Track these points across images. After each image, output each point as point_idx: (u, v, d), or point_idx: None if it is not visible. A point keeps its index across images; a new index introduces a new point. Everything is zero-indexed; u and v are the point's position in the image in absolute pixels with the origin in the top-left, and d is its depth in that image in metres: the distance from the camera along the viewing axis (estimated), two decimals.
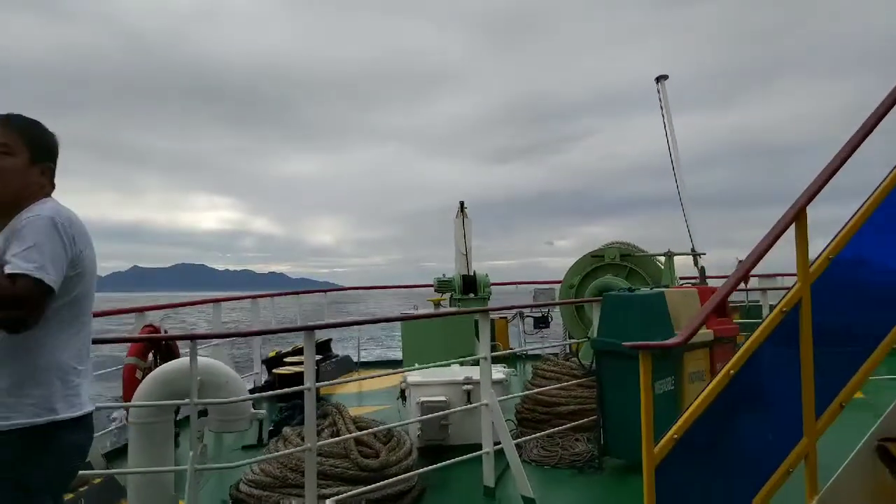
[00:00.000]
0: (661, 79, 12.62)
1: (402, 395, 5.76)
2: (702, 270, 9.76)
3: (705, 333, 5.59)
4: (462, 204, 11.19)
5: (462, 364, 7.50)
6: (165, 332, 6.38)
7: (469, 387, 5.63)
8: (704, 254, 8.84)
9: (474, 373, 6.10)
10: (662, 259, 8.62)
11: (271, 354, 9.06)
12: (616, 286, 7.96)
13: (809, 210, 2.93)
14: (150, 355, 6.35)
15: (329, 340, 10.67)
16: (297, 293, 10.44)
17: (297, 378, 6.64)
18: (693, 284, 8.87)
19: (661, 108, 12.44)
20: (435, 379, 5.78)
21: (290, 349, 9.99)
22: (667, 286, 8.30)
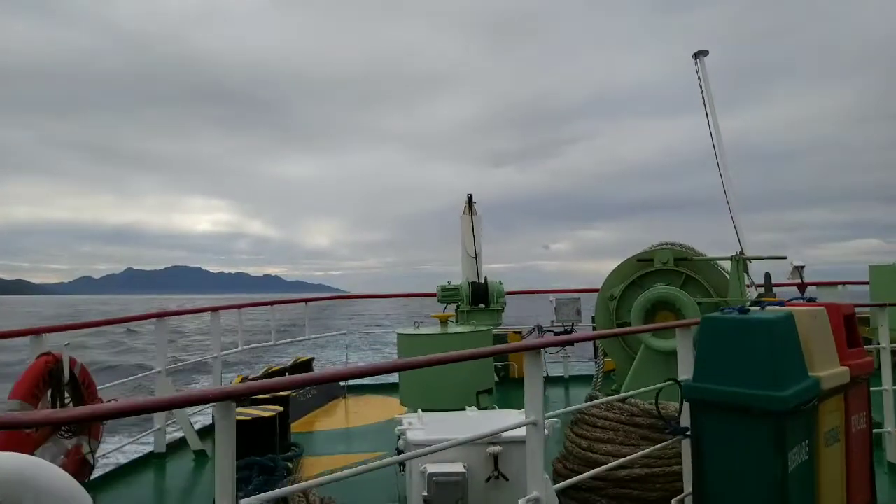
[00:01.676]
0: (699, 55, 10.93)
1: (400, 459, 3.96)
2: (767, 278, 8.02)
3: (841, 372, 3.86)
4: (470, 198, 9.42)
5: (483, 405, 5.74)
6: (71, 364, 4.58)
7: (497, 449, 3.87)
8: (803, 266, 7.09)
9: (498, 420, 4.33)
10: (726, 265, 6.88)
11: (236, 381, 7.30)
12: (678, 299, 6.22)
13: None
14: (48, 395, 4.58)
15: (310, 360, 8.90)
16: (271, 303, 8.65)
17: (264, 425, 4.88)
18: (766, 297, 7.13)
19: (701, 88, 10.76)
20: (447, 436, 4.01)
21: (261, 372, 8.20)
22: (742, 301, 6.56)
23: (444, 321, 6.17)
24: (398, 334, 6.25)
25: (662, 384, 3.86)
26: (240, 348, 7.43)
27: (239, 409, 6.09)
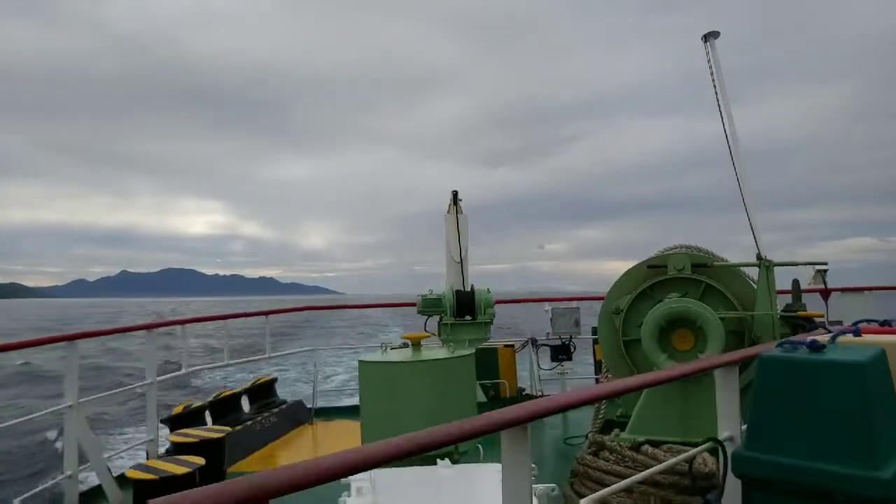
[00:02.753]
0: (709, 36, 9.89)
1: None
2: (795, 285, 6.97)
3: None
4: (455, 195, 8.37)
5: (463, 449, 4.71)
6: None
7: None
8: (826, 265, 6.06)
9: (478, 480, 3.30)
10: (752, 272, 5.82)
11: (177, 410, 6.20)
12: (700, 315, 5.15)
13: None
14: None
15: (273, 381, 7.83)
16: (223, 317, 7.52)
17: (207, 448, 3.85)
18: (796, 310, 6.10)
19: (712, 74, 9.73)
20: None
21: (213, 397, 7.11)
22: (771, 316, 5.54)
23: (416, 343, 5.05)
24: (360, 361, 5.18)
25: (697, 448, 2.80)
26: (183, 371, 6.36)
27: (178, 435, 5.02)
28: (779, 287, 7.20)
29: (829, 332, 4.15)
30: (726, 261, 6.10)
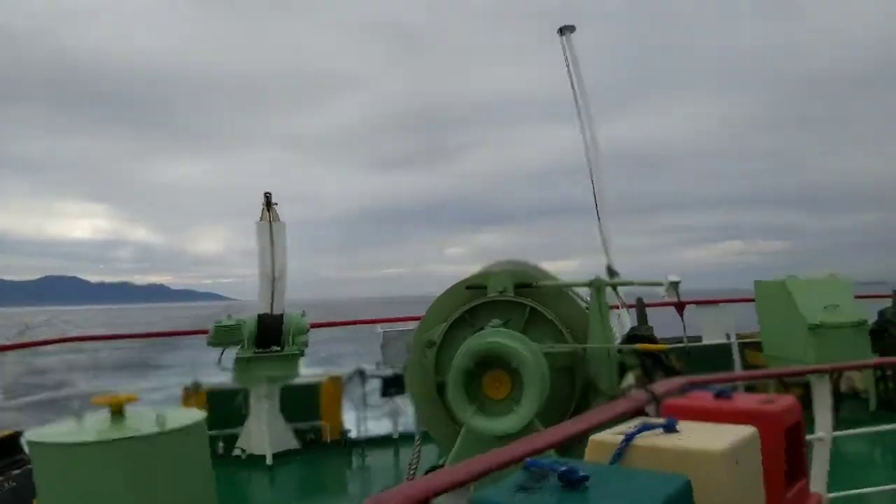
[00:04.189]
0: (565, 30, 9.18)
1: None
2: (640, 304, 6.19)
3: None
4: (269, 199, 7.03)
5: None
6: None
7: None
8: (679, 281, 5.23)
9: None
10: (586, 291, 4.90)
11: None
12: (514, 355, 4.09)
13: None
14: None
15: (15, 436, 6.13)
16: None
17: None
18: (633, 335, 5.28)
19: (567, 65, 9.01)
20: None
21: None
22: (607, 345, 4.64)
23: (116, 409, 3.46)
24: (28, 442, 3.72)
25: None
26: None
27: None
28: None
29: (683, 387, 3.22)
30: (557, 279, 5.17)
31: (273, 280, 6.70)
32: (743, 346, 9.21)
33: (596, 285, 4.68)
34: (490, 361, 4.13)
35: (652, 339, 5.64)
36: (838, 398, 8.37)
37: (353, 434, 7.44)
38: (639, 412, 2.93)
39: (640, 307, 6.11)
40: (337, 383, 7.62)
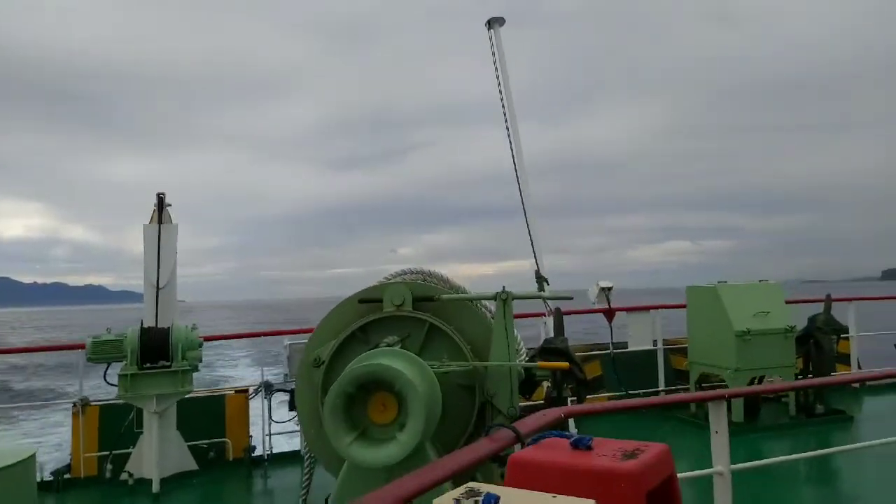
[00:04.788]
0: (493, 22, 8.80)
1: None
2: (557, 316, 5.84)
3: None
4: (161, 199, 6.38)
5: None
6: None
7: None
8: (610, 287, 4.86)
9: None
10: (492, 304, 4.49)
11: None
12: (397, 379, 3.61)
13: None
14: None
15: None
16: None
17: None
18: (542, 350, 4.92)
19: (494, 60, 8.62)
20: None
21: None
22: (511, 364, 4.23)
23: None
24: None
25: None
26: None
27: None
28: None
29: (558, 421, 2.82)
30: (462, 290, 4.74)
31: (157, 289, 6.05)
32: (669, 352, 9.04)
33: (501, 298, 4.25)
34: (377, 384, 3.65)
35: (564, 352, 5.29)
36: (758, 403, 8.27)
37: (259, 451, 6.88)
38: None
39: (558, 317, 5.76)
40: (243, 396, 7.04)
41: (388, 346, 4.33)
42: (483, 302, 4.64)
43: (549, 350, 5.37)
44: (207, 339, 6.50)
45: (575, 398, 5.67)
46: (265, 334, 7.64)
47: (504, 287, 4.34)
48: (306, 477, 4.82)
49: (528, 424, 2.64)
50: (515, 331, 4.76)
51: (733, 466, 3.38)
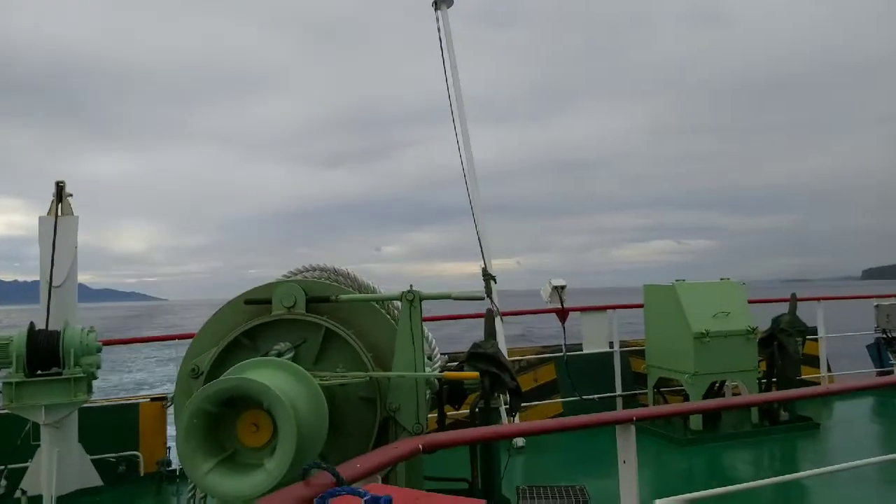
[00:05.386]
0: (440, 3, 8.28)
1: None
2: (488, 319, 5.33)
3: None
4: (60, 188, 5.79)
5: None
6: None
7: None
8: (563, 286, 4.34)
9: None
10: (399, 304, 3.97)
11: None
12: (261, 393, 3.05)
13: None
14: None
15: None
16: None
17: None
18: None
19: (441, 42, 8.10)
20: None
21: None
22: (418, 373, 3.73)
23: None
24: None
25: None
26: None
27: None
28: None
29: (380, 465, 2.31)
30: (368, 289, 4.22)
31: (50, 287, 5.47)
32: (629, 355, 8.59)
33: (407, 298, 3.73)
34: (242, 401, 3.11)
35: (493, 357, 4.80)
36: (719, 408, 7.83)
37: (176, 465, 6.32)
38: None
39: (488, 320, 5.26)
40: (160, 405, 6.46)
41: (279, 354, 3.80)
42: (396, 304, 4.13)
43: (477, 356, 4.88)
44: (111, 342, 5.93)
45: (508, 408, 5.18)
46: (178, 337, 6.96)
47: (412, 286, 3.82)
48: (190, 495, 4.27)
49: (367, 462, 2.14)
50: (429, 334, 4.26)
51: (659, 502, 2.87)
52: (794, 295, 8.35)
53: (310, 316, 3.79)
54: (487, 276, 7.38)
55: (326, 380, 3.52)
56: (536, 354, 8.27)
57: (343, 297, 3.83)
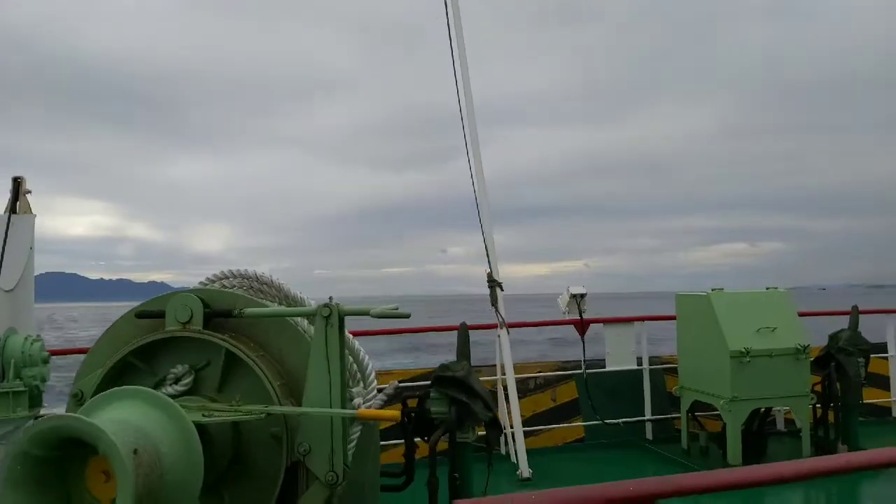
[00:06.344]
0: None
1: None
2: (462, 338, 4.56)
3: None
4: (18, 184, 5.40)
5: None
6: None
7: None
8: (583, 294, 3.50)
9: None
10: (306, 323, 3.28)
11: None
12: (95, 437, 2.43)
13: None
14: None
15: None
16: None
17: None
18: None
19: (448, 26, 7.29)
20: None
21: None
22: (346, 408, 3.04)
23: None
24: None
25: None
26: None
27: None
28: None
29: None
30: (304, 302, 3.54)
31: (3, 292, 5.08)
32: (664, 373, 7.59)
33: (323, 314, 3.04)
34: (84, 445, 2.49)
35: (463, 381, 4.05)
36: (765, 434, 6.75)
37: None
38: None
39: (463, 335, 4.49)
40: None
41: (177, 379, 3.19)
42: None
43: (444, 380, 4.14)
44: (61, 353, 5.49)
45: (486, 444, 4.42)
46: (73, 352, 6.36)
47: (332, 297, 3.13)
48: None
49: None
50: (361, 351, 3.55)
51: None
52: (855, 307, 7.16)
53: (205, 334, 3.14)
54: (493, 283, 6.59)
55: (212, 415, 2.87)
56: (555, 371, 7.40)
57: (249, 310, 3.17)
